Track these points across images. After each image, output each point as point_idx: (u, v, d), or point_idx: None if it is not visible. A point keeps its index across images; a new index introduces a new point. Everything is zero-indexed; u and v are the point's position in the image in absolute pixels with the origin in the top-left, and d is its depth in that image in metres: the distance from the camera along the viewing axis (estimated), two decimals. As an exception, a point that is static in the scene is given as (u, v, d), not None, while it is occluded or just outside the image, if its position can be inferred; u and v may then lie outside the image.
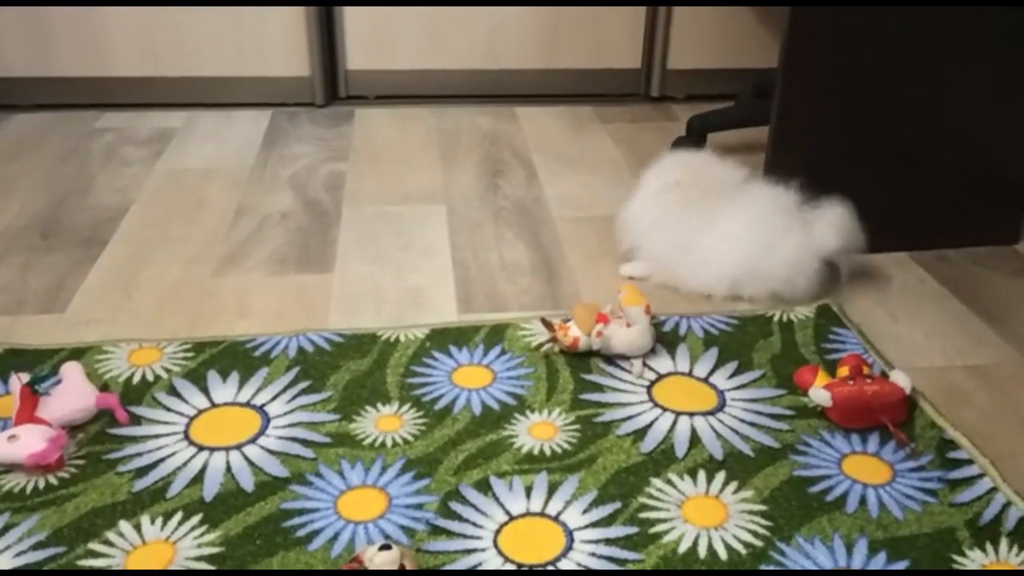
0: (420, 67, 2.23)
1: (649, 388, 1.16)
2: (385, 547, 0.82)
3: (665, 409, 1.11)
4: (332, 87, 2.24)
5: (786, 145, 1.43)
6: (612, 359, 1.21)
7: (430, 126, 2.12)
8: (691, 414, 1.11)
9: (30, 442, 0.99)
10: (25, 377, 1.05)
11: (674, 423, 1.09)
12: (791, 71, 1.38)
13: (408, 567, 0.83)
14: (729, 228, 1.36)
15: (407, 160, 1.92)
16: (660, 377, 1.18)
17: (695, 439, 1.06)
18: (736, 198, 1.39)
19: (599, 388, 1.15)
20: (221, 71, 2.16)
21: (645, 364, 1.20)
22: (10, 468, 1.01)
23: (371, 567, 0.81)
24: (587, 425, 1.09)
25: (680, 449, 1.05)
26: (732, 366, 1.20)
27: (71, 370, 1.10)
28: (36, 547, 0.90)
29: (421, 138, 2.05)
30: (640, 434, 1.07)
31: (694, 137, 1.87)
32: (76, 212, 1.65)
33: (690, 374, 1.19)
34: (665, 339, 1.25)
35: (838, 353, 1.22)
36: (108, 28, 2.09)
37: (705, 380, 1.18)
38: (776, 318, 1.31)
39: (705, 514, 0.95)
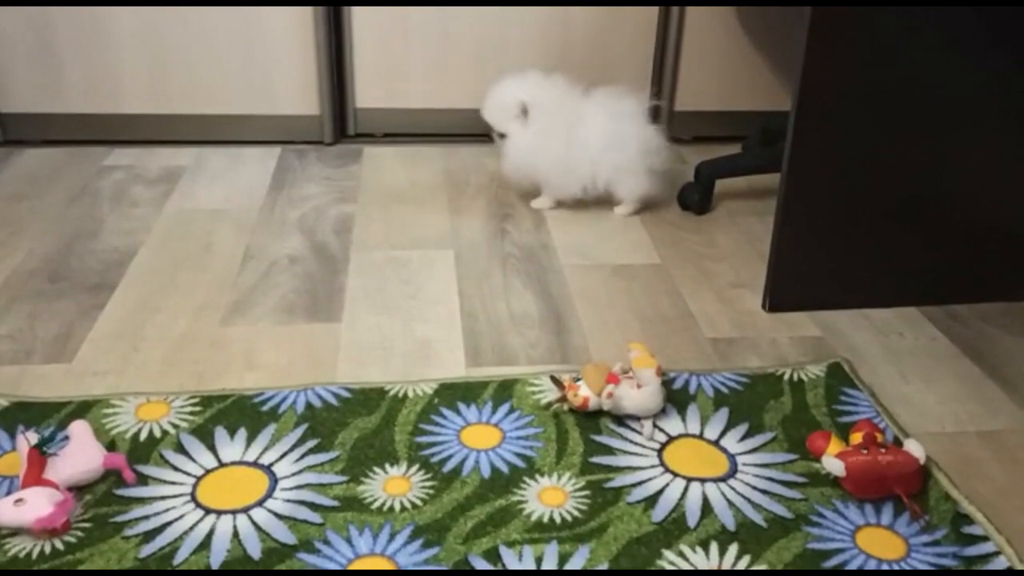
0: (428, 106, 2.24)
1: (660, 451, 1.15)
2: None
3: (676, 475, 1.11)
4: (341, 125, 2.24)
5: (798, 196, 1.43)
6: (622, 419, 1.20)
7: (437, 166, 2.12)
8: (702, 480, 1.10)
9: (37, 506, 0.98)
10: (33, 438, 1.05)
11: (685, 490, 1.08)
12: (802, 124, 1.38)
13: None
14: (587, 135, 1.78)
15: (415, 202, 1.92)
16: (671, 439, 1.17)
17: (707, 508, 1.05)
18: (585, 109, 1.80)
19: (609, 451, 1.15)
20: (231, 109, 2.16)
21: (655, 425, 1.19)
22: (16, 531, 1.00)
23: None
24: (597, 491, 1.08)
25: (692, 519, 1.04)
26: (743, 428, 1.19)
27: (79, 429, 1.10)
28: (41, 617, 0.89)
29: (429, 179, 2.05)
30: (651, 501, 1.06)
31: (702, 183, 1.87)
32: (85, 255, 1.65)
33: (701, 436, 1.18)
34: (675, 398, 1.25)
35: (850, 416, 1.21)
36: (119, 64, 2.10)
37: (716, 443, 1.17)
38: (786, 377, 1.30)
39: (717, 590, 0.94)
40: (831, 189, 1.43)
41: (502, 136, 1.83)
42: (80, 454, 1.06)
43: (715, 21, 2.19)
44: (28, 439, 1.04)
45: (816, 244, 1.46)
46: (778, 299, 1.49)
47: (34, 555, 0.97)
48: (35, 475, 1.02)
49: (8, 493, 1.04)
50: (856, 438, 1.10)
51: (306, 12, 2.08)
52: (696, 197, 1.86)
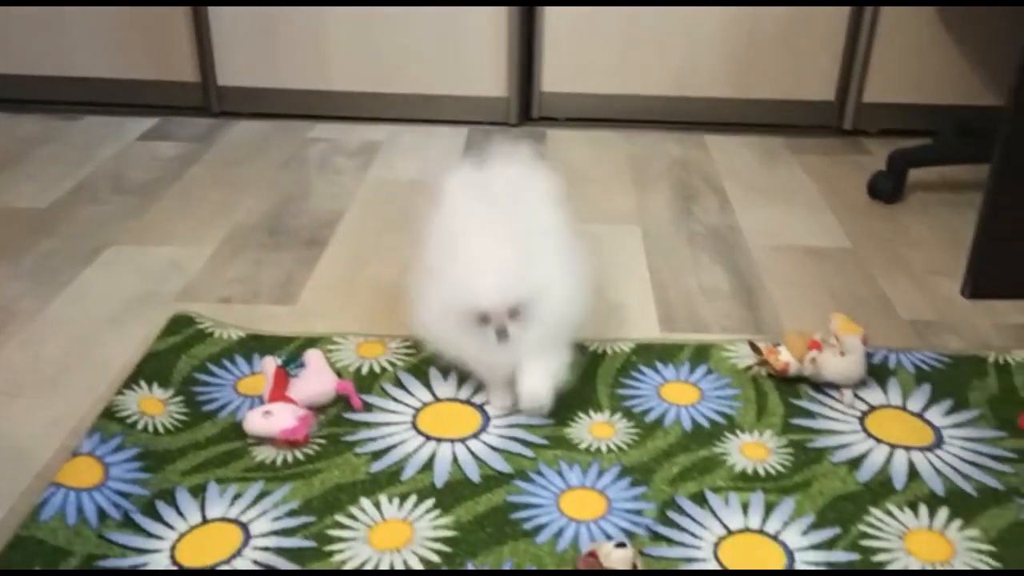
0: (612, 91, 2.29)
1: (861, 419, 1.15)
2: (620, 545, 0.86)
3: (880, 441, 1.11)
4: (526, 108, 2.32)
5: (1008, 183, 1.40)
6: (820, 387, 1.21)
7: (620, 150, 2.16)
8: (907, 448, 1.10)
9: (283, 419, 1.08)
10: (279, 360, 1.15)
11: (890, 455, 1.09)
12: (1021, 112, 1.35)
13: (639, 567, 0.87)
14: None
15: (601, 182, 1.97)
16: (872, 409, 1.18)
17: (913, 473, 1.06)
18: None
19: (809, 414, 1.16)
20: (425, 89, 2.27)
21: (856, 395, 1.19)
22: (261, 441, 1.10)
23: (607, 564, 0.85)
24: (800, 450, 1.10)
25: (898, 482, 1.04)
26: (947, 404, 1.19)
27: (314, 356, 1.20)
28: (290, 514, 0.99)
29: (612, 161, 2.10)
30: (855, 463, 1.07)
31: (895, 173, 1.84)
32: (298, 214, 1.78)
33: (904, 408, 1.18)
34: (875, 372, 1.25)
35: (1063, 400, 1.18)
36: (327, 43, 2.24)
37: (920, 415, 1.16)
38: (991, 360, 1.28)
39: (930, 548, 0.95)
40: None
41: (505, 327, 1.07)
42: (315, 378, 1.17)
43: (911, 11, 2.15)
44: (276, 360, 1.15)
45: (1022, 229, 1.43)
46: (980, 286, 1.46)
47: (278, 463, 1.07)
48: (280, 392, 1.12)
49: (253, 407, 1.15)
50: (1074, 418, 1.08)
51: (501, -3, 2.17)
52: (888, 186, 1.84)
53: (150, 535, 0.96)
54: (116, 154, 2.05)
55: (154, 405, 1.15)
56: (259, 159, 2.06)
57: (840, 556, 0.94)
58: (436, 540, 0.96)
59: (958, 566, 0.92)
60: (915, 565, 0.92)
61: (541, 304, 1.05)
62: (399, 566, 0.92)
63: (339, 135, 2.21)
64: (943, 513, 0.99)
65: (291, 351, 1.28)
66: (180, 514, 0.98)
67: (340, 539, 0.96)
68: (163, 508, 0.99)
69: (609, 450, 1.10)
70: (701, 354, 1.29)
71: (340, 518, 0.99)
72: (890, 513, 1.00)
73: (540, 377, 1.10)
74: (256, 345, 1.30)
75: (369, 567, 0.92)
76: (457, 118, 2.30)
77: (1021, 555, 0.94)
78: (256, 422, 1.09)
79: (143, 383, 1.19)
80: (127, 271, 1.54)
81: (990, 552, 0.94)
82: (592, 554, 0.88)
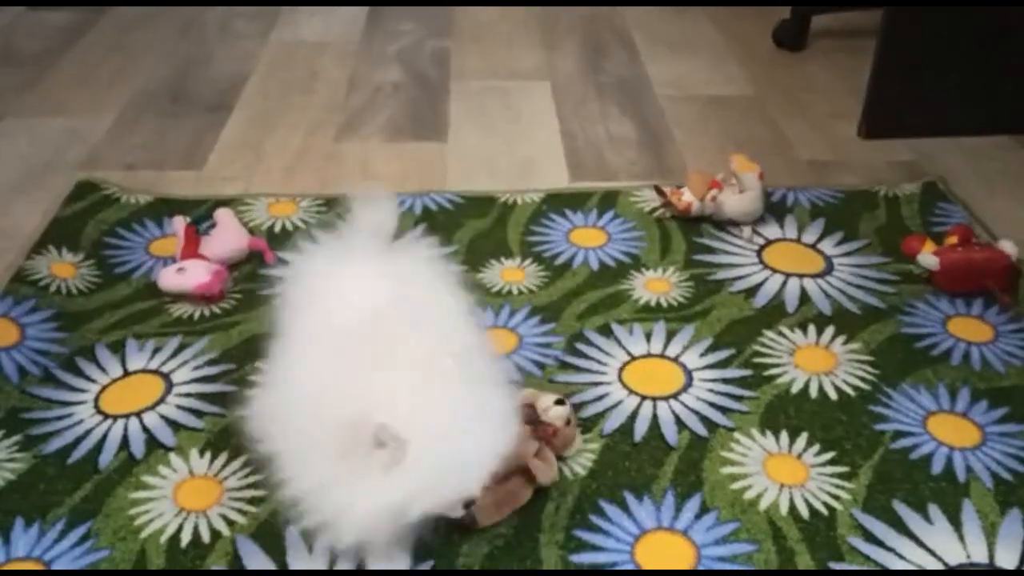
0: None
1: (759, 252, 1.22)
2: (559, 402, 0.89)
3: (775, 271, 1.18)
4: (432, -34, 2.25)
5: (899, 25, 1.44)
6: (722, 225, 1.26)
7: (528, 7, 2.14)
8: (800, 276, 1.17)
9: (196, 274, 1.09)
10: (188, 219, 1.15)
11: (784, 283, 1.15)
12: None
13: (573, 424, 0.90)
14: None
15: (509, 39, 1.96)
16: (769, 242, 1.24)
17: (804, 297, 1.13)
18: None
19: (710, 250, 1.22)
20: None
21: (754, 230, 1.25)
22: (177, 298, 1.11)
23: (544, 417, 0.88)
24: (700, 282, 1.15)
25: (791, 306, 1.11)
26: (839, 235, 1.25)
27: (225, 215, 1.20)
28: (210, 363, 1.01)
29: (521, 18, 2.07)
30: (752, 291, 1.14)
31: (798, 20, 1.87)
32: (201, 80, 1.74)
33: (798, 241, 1.24)
34: (773, 209, 1.30)
35: (943, 226, 1.26)
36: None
37: (813, 247, 1.23)
38: (881, 193, 1.35)
39: (815, 361, 1.02)
40: (932, 19, 1.43)
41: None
42: (227, 235, 1.17)
43: None
44: (185, 219, 1.14)
45: (914, 72, 1.48)
46: (874, 126, 1.52)
47: (195, 317, 1.09)
48: (192, 250, 1.13)
49: (167, 266, 1.15)
50: (951, 240, 1.15)
51: None
52: (792, 33, 1.86)
53: (73, 388, 0.97)
54: (4, 25, 1.95)
55: (65, 268, 1.14)
56: (155, 25, 1.98)
57: (734, 372, 1.01)
58: (355, 379, 0.99)
59: (840, 376, 1.00)
60: (802, 376, 1.00)
61: None
62: (320, 405, 0.96)
63: (239, -3, 2.13)
64: (829, 331, 1.07)
65: (201, 213, 1.28)
66: (101, 368, 1.00)
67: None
68: (83, 363, 1.00)
69: (520, 292, 1.14)
70: (608, 200, 1.33)
71: (260, 365, 1.01)
72: (781, 333, 1.07)
73: None
74: (165, 208, 1.29)
75: (291, 407, 0.95)
76: (361, -22, 2.22)
77: (895, 362, 1.02)
78: (170, 279, 1.10)
79: (52, 248, 1.18)
80: (25, 142, 1.50)
81: (869, 361, 1.02)
82: (530, 405, 0.89)
